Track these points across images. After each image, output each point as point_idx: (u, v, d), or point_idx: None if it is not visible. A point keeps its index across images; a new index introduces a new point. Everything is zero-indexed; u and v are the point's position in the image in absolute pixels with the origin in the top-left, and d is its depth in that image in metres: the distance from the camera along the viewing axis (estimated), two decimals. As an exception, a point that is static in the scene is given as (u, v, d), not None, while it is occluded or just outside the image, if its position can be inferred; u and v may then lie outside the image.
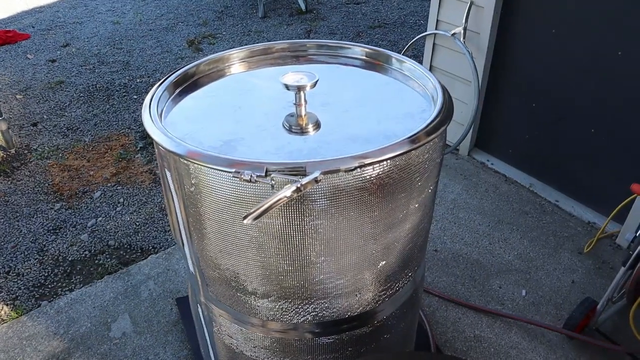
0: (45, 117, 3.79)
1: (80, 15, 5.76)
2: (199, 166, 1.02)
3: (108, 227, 2.74)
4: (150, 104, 1.21)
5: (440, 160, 1.22)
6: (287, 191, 0.89)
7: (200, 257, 1.25)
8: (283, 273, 1.13)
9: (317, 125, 1.19)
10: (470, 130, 3.01)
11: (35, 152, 3.38)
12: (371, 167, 0.99)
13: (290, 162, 0.96)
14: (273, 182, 0.94)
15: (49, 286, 2.40)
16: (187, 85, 1.38)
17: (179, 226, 1.27)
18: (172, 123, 1.21)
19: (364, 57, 1.50)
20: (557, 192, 2.84)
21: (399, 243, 1.20)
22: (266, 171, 0.94)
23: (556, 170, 2.82)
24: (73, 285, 2.40)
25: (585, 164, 2.66)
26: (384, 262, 1.20)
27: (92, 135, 3.56)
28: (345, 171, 0.96)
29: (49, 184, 3.08)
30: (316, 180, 0.92)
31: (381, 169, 1.01)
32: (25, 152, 3.40)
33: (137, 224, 2.76)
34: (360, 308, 1.26)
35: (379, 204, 1.07)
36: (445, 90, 1.22)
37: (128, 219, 2.80)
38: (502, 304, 2.22)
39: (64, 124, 3.69)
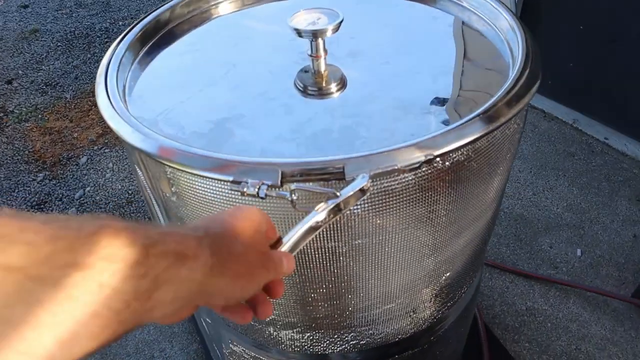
0: (20, 72, 3.38)
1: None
2: (178, 171, 0.68)
3: (97, 198, 2.42)
4: (106, 72, 0.84)
5: (523, 130, 0.86)
6: (320, 215, 0.53)
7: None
8: (312, 303, 0.81)
9: (343, 84, 0.83)
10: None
11: (12, 115, 3.01)
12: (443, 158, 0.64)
13: (316, 160, 0.61)
14: (294, 197, 0.58)
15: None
16: (161, 36, 1.01)
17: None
18: (140, 97, 0.85)
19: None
20: (605, 128, 2.47)
21: (469, 247, 0.87)
22: (282, 177, 0.59)
23: (604, 102, 2.43)
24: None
25: (637, 95, 2.27)
26: (447, 274, 0.87)
27: (73, 91, 3.17)
28: (409, 170, 0.61)
29: (29, 151, 2.74)
30: (362, 191, 0.57)
31: (454, 157, 0.66)
32: (1, 115, 3.03)
33: (130, 192, 2.44)
34: (415, 328, 0.95)
35: (449, 205, 0.73)
36: (525, 29, 0.85)
37: (119, 187, 2.47)
38: (555, 267, 1.92)
39: (42, 80, 3.29)
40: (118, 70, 0.86)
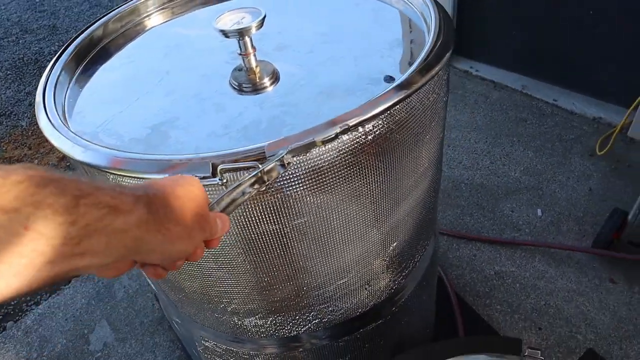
0: (-28, 106, 3.34)
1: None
2: (120, 177, 0.70)
3: (65, 221, 2.41)
4: (44, 93, 0.86)
5: (447, 100, 0.90)
6: (245, 186, 0.58)
7: (160, 281, 0.95)
8: (267, 287, 0.84)
9: (275, 78, 0.87)
10: (449, 38, 2.66)
11: (-32, 149, 2.97)
12: (359, 129, 0.68)
13: (240, 150, 0.64)
14: (224, 181, 0.63)
15: (12, 303, 2.10)
16: (96, 53, 1.03)
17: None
18: (80, 113, 0.88)
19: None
20: (553, 89, 2.55)
21: (411, 215, 0.91)
22: (212, 169, 0.63)
23: (550, 64, 2.52)
24: (39, 297, 2.10)
25: (582, 53, 2.35)
26: (395, 244, 0.91)
27: (29, 118, 3.14)
28: (323, 143, 0.64)
29: (-10, 183, 2.71)
30: (283, 165, 0.61)
31: (375, 130, 0.70)
32: (-43, 150, 2.98)
33: (98, 211, 2.43)
34: (373, 300, 0.99)
35: (380, 177, 0.76)
36: (437, 3, 0.89)
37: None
38: (518, 229, 1.98)
39: (-5, 110, 3.26)
40: (55, 90, 0.87)
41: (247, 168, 0.60)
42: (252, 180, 0.57)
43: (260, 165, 0.58)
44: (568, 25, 2.32)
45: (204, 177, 0.62)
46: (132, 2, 1.08)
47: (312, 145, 0.64)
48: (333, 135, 0.64)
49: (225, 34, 0.80)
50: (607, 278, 1.78)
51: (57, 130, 0.77)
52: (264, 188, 0.59)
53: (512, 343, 0.98)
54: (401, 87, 0.69)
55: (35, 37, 3.93)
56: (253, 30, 0.80)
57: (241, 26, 0.79)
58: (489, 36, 2.69)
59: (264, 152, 0.62)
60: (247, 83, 0.85)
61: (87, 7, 4.24)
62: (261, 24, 0.80)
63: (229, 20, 0.82)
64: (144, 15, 1.10)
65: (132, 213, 0.41)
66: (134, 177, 0.68)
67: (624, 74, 2.25)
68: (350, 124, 0.64)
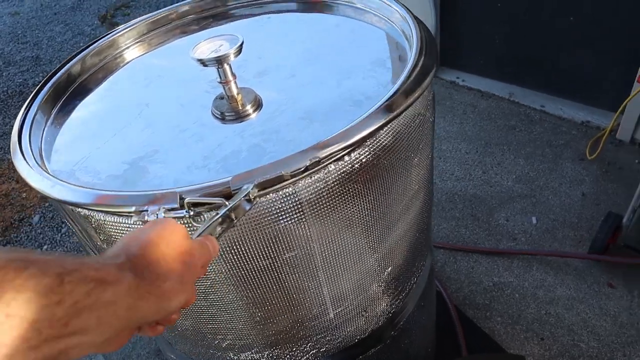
0: (-43, 141, 3.30)
1: (-28, 15, 5.08)
2: (96, 214, 0.68)
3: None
4: (20, 133, 0.84)
5: (433, 119, 0.89)
6: (214, 225, 0.56)
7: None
8: (261, 322, 0.82)
9: (258, 105, 0.85)
10: (433, 49, 2.67)
11: (-44, 186, 2.93)
12: (345, 158, 0.66)
13: (205, 185, 0.62)
14: (191, 213, 0.60)
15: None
16: (75, 89, 1.01)
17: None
18: (57, 151, 0.85)
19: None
20: (540, 95, 2.56)
21: (405, 238, 0.89)
22: (180, 201, 0.60)
23: (535, 71, 2.53)
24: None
25: (566, 58, 2.37)
26: (390, 268, 0.89)
27: (16, 151, 3.11)
28: (292, 176, 0.62)
29: (-21, 220, 2.67)
30: (249, 200, 0.59)
31: (362, 157, 0.68)
32: (-56, 188, 2.94)
33: (89, 243, 2.40)
34: (372, 326, 0.97)
35: (371, 204, 0.75)
36: (419, 21, 0.88)
37: (77, 240, 2.43)
38: (514, 239, 1.97)
39: (-19, 145, 3.22)
40: (31, 129, 0.85)
41: (212, 203, 0.58)
42: (220, 220, 0.56)
43: (227, 203, 0.56)
44: (551, 31, 2.33)
45: (172, 209, 0.60)
46: (109, 34, 1.07)
47: (280, 179, 0.61)
48: (303, 169, 0.62)
49: (203, 62, 0.78)
50: (605, 283, 1.77)
51: (32, 169, 0.75)
52: (232, 226, 0.58)
53: (515, 361, 0.96)
54: (379, 112, 0.67)
55: (19, 69, 3.91)
56: (232, 57, 0.78)
57: (219, 54, 0.78)
58: (473, 45, 2.70)
59: (229, 187, 0.60)
60: (229, 111, 0.84)
61: (70, 36, 4.23)
62: (239, 50, 0.79)
63: (207, 48, 0.80)
64: (123, 47, 1.09)
65: (120, 282, 0.39)
66: (105, 212, 0.66)
67: (609, 77, 2.26)
68: (321, 156, 0.62)
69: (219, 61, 0.78)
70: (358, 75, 0.87)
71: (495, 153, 2.35)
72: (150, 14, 1.11)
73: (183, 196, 0.59)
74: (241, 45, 0.79)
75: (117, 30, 1.07)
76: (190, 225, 0.62)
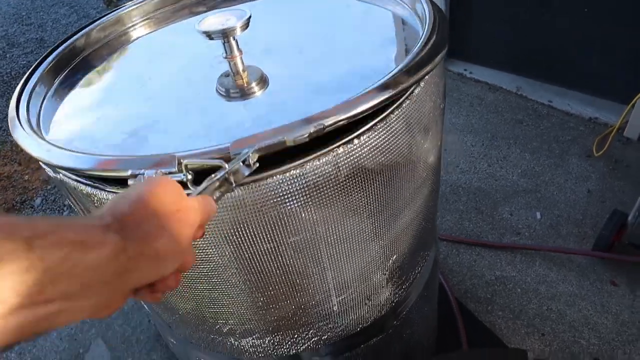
0: (-39, 121, 3.30)
1: (-23, -5, 5.06)
2: (99, 192, 0.67)
3: (58, 237, 2.37)
4: (17, 102, 0.82)
5: (444, 107, 0.88)
6: (212, 188, 0.53)
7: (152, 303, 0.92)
8: (263, 307, 0.81)
9: (264, 82, 0.83)
10: (442, 41, 2.64)
11: (-42, 166, 2.93)
12: (354, 142, 0.65)
13: (206, 150, 0.59)
14: (189, 177, 0.57)
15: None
16: (77, 63, 0.99)
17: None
18: (57, 121, 0.84)
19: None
20: (548, 90, 2.53)
21: (411, 227, 0.88)
22: (178, 164, 0.58)
23: (544, 64, 2.50)
24: (31, 315, 2.06)
25: (578, 52, 2.34)
26: (395, 257, 0.88)
27: (19, 132, 3.10)
28: (295, 143, 0.60)
29: (-20, 200, 2.67)
30: (248, 165, 0.57)
31: (371, 141, 0.67)
32: (-54, 167, 2.94)
33: (90, 226, 2.39)
34: (374, 315, 0.96)
35: (378, 190, 0.73)
36: (432, 1, 0.86)
37: (79, 222, 2.42)
38: (517, 233, 1.96)
39: (-15, 126, 3.21)
40: (29, 99, 0.84)
41: (212, 165, 0.56)
42: (218, 184, 0.53)
43: (227, 165, 0.54)
44: (561, 23, 2.31)
45: (170, 173, 0.58)
46: (115, 11, 1.05)
47: (281, 144, 0.59)
48: (306, 136, 0.60)
49: (209, 35, 0.76)
50: (608, 281, 1.76)
51: (28, 135, 0.73)
52: (231, 190, 0.55)
53: (517, 354, 0.95)
54: (386, 86, 0.65)
55: (23, 51, 3.89)
56: (238, 31, 0.76)
57: (225, 26, 0.76)
58: (482, 38, 2.67)
59: (229, 150, 0.58)
60: (234, 88, 0.82)
61: (74, 19, 4.21)
62: (246, 24, 0.76)
63: (213, 22, 0.78)
64: (129, 25, 1.07)
65: (103, 245, 0.36)
66: (98, 176, 0.65)
67: (620, 71, 2.24)
68: (326, 124, 0.60)
69: (225, 34, 0.76)
70: (368, 53, 0.86)
71: (501, 147, 2.33)
72: (156, -7, 1.09)
73: (181, 160, 0.57)
74: (248, 19, 0.77)
75: (124, 8, 1.06)
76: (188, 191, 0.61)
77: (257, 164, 0.58)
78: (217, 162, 0.55)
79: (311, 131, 0.59)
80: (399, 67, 0.67)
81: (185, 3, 1.11)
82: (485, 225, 2.01)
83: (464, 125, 2.48)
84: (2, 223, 0.32)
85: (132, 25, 1.07)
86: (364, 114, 0.62)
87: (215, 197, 0.53)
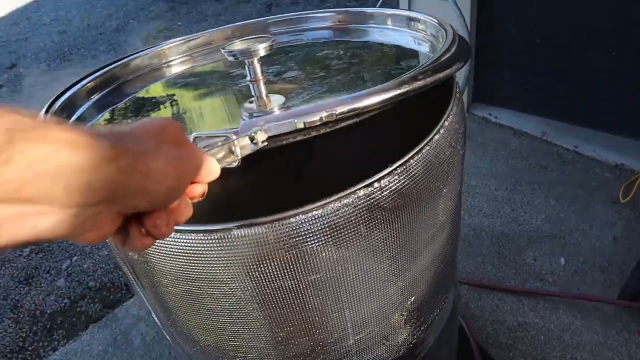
0: None
1: (24, 31, 5.33)
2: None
3: (85, 266, 2.43)
4: (47, 110, 0.88)
5: (464, 152, 0.90)
6: (215, 150, 0.55)
7: (173, 331, 0.95)
8: (282, 342, 0.83)
9: (287, 108, 0.86)
10: (467, 84, 2.69)
11: (-5, 194, 3.04)
12: (374, 185, 0.68)
13: (220, 132, 0.61)
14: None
15: (29, 348, 2.10)
16: (112, 89, 1.05)
17: (137, 293, 0.97)
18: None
19: (336, 24, 1.17)
20: (574, 136, 2.53)
21: (430, 269, 0.89)
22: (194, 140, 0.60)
23: (570, 106, 2.51)
24: (56, 342, 2.10)
25: (604, 94, 2.35)
26: (413, 298, 0.89)
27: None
28: (306, 128, 0.62)
29: (14, 228, 2.75)
30: (255, 142, 0.59)
31: (391, 185, 0.70)
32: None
33: (117, 257, 2.45)
34: (392, 356, 0.97)
35: (397, 232, 0.76)
36: (449, 25, 0.90)
37: (106, 252, 2.48)
38: (541, 279, 1.93)
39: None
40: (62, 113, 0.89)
41: (220, 137, 0.58)
42: (222, 153, 0.55)
43: (233, 136, 0.56)
44: (587, 65, 2.33)
45: None
46: (153, 48, 1.12)
47: (292, 126, 0.61)
48: (317, 121, 0.62)
49: (234, 55, 0.79)
50: (636, 331, 1.72)
51: None
52: (234, 161, 0.56)
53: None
54: (399, 83, 0.67)
55: (63, 86, 4.07)
56: (261, 52, 0.79)
57: (250, 48, 0.79)
58: (507, 82, 2.70)
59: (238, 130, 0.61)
60: (257, 113, 0.83)
61: (112, 56, 4.39)
62: (270, 47, 0.80)
63: (239, 45, 0.82)
64: (165, 61, 1.14)
65: (93, 148, 0.33)
66: None
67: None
68: (337, 111, 0.62)
69: (249, 53, 0.79)
70: (388, 71, 0.90)
71: (525, 191, 2.33)
72: (195, 34, 1.16)
73: (193, 137, 0.59)
74: (273, 42, 0.81)
75: (161, 45, 1.12)
76: None
77: (265, 144, 0.60)
78: (226, 134, 0.57)
79: (323, 116, 0.62)
80: (415, 70, 0.70)
81: (220, 44, 1.18)
82: (508, 270, 1.99)
83: (488, 170, 2.49)
84: None
85: (167, 62, 1.14)
86: (375, 107, 0.65)
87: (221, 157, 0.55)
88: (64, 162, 0.32)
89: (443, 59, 0.74)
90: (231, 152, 0.56)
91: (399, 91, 0.66)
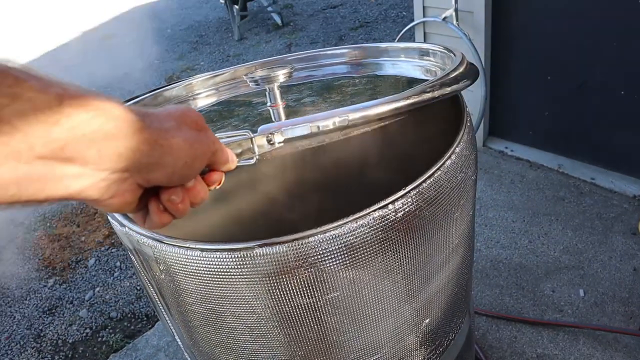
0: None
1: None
2: (158, 244, 0.75)
3: (107, 297, 2.48)
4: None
5: (475, 178, 0.94)
6: (230, 145, 0.61)
7: (195, 352, 0.98)
8: (302, 362, 0.85)
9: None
10: (482, 118, 2.73)
11: (22, 226, 3.13)
12: (389, 207, 0.72)
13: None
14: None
15: (51, 380, 2.14)
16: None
17: (161, 314, 1.01)
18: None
19: (353, 59, 1.23)
20: (590, 168, 2.55)
21: (444, 292, 0.92)
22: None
23: (585, 143, 2.53)
24: (77, 373, 2.13)
25: (617, 131, 2.37)
26: (428, 320, 0.92)
27: (79, 197, 3.31)
28: (320, 131, 0.67)
29: (39, 259, 2.83)
30: (271, 142, 0.64)
31: (405, 207, 0.73)
32: (10, 227, 3.14)
33: (138, 288, 2.50)
34: (408, 379, 0.98)
35: (411, 253, 0.79)
36: (459, 52, 0.95)
37: (127, 284, 2.53)
38: (560, 311, 1.92)
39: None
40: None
41: (240, 135, 0.63)
42: (240, 147, 0.61)
43: (251, 134, 0.62)
44: (599, 104, 2.36)
45: None
46: (183, 81, 1.19)
47: (305, 130, 0.66)
48: (330, 125, 0.66)
49: (255, 81, 0.85)
50: (658, 364, 1.69)
51: None
52: (250, 158, 0.62)
53: None
54: (414, 91, 0.72)
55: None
56: (281, 78, 0.85)
57: (271, 75, 0.85)
58: (523, 117, 2.74)
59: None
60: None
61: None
62: (290, 74, 0.86)
63: (260, 73, 0.87)
64: (191, 95, 1.20)
65: (124, 120, 0.38)
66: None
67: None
68: (350, 117, 0.67)
69: (269, 79, 0.85)
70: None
71: (542, 223, 2.33)
72: (220, 70, 1.23)
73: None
74: (292, 70, 0.86)
75: (190, 79, 1.19)
76: None
77: (282, 144, 0.65)
78: (245, 133, 0.62)
79: (336, 121, 0.66)
80: (426, 83, 0.75)
81: (243, 81, 1.24)
82: (527, 301, 1.99)
83: (504, 202, 2.50)
84: (37, 74, 0.34)
85: (193, 95, 1.21)
86: (386, 115, 0.70)
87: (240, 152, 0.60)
88: (98, 128, 0.36)
89: (451, 75, 0.79)
90: (249, 150, 0.62)
91: (408, 101, 0.71)
